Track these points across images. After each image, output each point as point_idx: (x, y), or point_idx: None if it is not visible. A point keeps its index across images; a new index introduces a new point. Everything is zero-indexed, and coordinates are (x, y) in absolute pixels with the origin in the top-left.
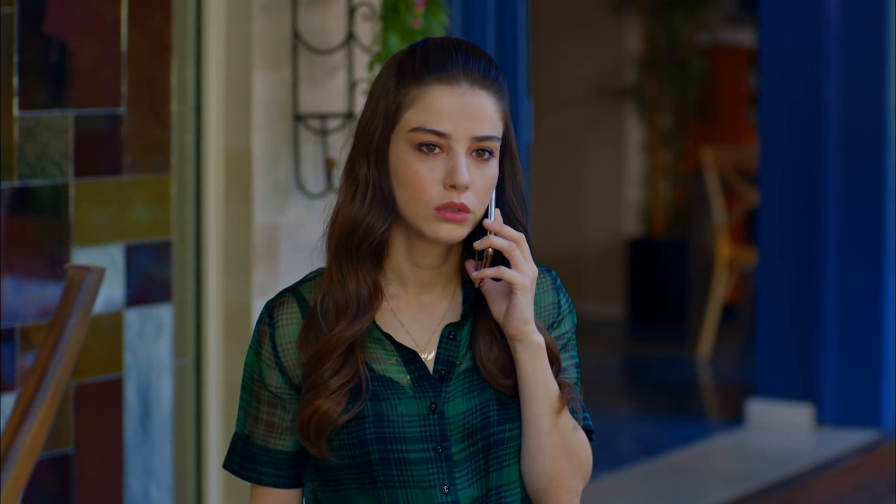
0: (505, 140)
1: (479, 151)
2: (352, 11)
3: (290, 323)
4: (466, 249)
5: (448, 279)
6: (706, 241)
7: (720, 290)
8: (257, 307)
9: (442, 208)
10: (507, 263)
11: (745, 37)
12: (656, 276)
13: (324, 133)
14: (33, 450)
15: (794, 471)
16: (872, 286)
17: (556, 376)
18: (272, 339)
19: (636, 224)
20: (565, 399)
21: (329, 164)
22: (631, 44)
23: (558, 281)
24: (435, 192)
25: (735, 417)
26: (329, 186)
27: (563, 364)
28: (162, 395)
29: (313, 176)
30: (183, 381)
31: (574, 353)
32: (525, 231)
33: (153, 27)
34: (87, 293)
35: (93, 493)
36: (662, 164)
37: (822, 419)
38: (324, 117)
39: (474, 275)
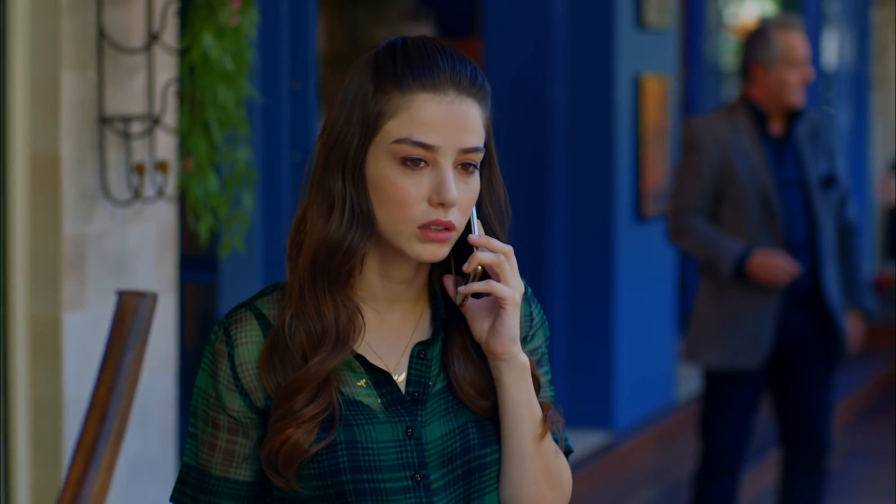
0: (486, 149)
1: (465, 165)
2: (151, 9)
3: (250, 341)
4: (438, 263)
5: (417, 295)
6: None
7: None
8: (67, 321)
9: (426, 227)
10: (489, 278)
11: (424, 32)
12: None
13: (127, 136)
14: (100, 500)
15: None
16: (601, 286)
17: (537, 394)
18: (230, 358)
19: None
20: (549, 422)
21: (139, 170)
22: None
23: (529, 290)
24: (419, 210)
25: None
26: (137, 194)
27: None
28: None
29: (117, 182)
30: None
31: (548, 369)
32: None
33: None
34: (143, 322)
35: None
36: None
37: None
38: (127, 120)
39: (461, 290)
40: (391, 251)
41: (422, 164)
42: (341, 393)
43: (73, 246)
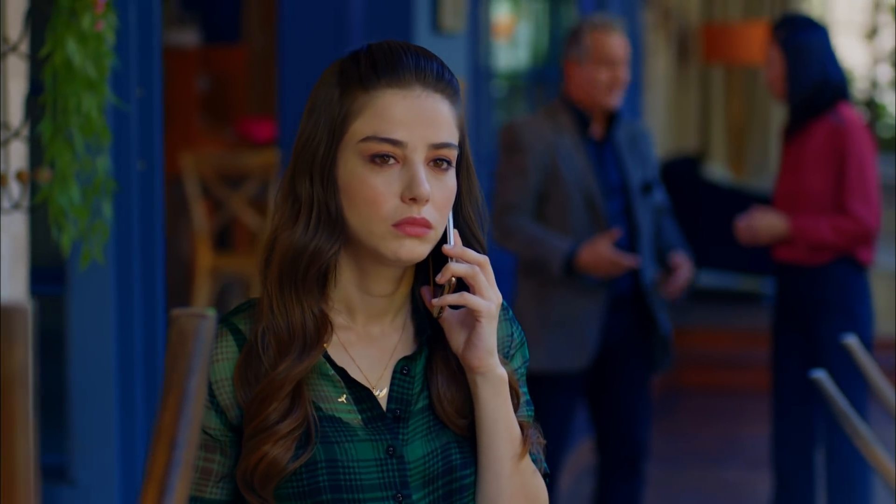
0: (461, 149)
1: (437, 161)
2: (3, 15)
3: (226, 358)
4: (419, 275)
5: (398, 308)
6: (183, 250)
7: (203, 298)
8: None
9: (400, 224)
10: (467, 289)
11: (189, 38)
12: None
13: None
14: None
15: None
16: None
17: (515, 412)
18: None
19: None
20: (528, 441)
21: (7, 179)
22: None
23: (510, 312)
24: (391, 207)
25: None
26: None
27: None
28: None
29: None
30: None
31: (526, 391)
32: (485, 252)
33: None
34: (203, 344)
35: None
36: None
37: None
38: None
39: (434, 302)
40: (368, 262)
41: (391, 161)
42: (320, 409)
43: None
